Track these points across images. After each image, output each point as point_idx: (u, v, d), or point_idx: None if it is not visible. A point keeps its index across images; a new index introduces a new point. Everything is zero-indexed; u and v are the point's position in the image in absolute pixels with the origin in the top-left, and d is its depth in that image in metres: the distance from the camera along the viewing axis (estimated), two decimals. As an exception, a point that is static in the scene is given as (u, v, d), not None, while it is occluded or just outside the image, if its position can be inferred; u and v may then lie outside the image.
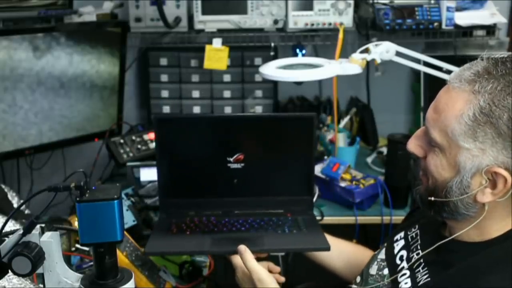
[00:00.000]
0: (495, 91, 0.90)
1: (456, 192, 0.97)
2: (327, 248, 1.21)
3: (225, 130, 1.35)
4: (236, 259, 1.20)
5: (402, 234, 1.20)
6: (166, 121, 1.35)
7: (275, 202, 1.37)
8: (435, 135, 0.97)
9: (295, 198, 1.37)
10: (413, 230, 1.17)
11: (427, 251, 1.05)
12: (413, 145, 1.04)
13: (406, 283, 1.06)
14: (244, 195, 1.37)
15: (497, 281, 0.91)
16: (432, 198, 1.00)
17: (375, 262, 1.20)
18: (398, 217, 1.79)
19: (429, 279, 1.02)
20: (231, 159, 1.33)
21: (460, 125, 0.92)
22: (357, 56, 1.81)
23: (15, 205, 1.66)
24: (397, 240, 1.19)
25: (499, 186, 0.93)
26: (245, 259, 1.17)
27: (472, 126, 0.91)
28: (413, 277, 1.06)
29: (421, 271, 1.05)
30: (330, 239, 1.38)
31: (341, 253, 1.38)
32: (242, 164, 1.33)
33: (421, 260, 1.07)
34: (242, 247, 1.17)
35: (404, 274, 1.08)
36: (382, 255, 1.21)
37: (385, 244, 1.23)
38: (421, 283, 1.02)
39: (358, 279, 1.24)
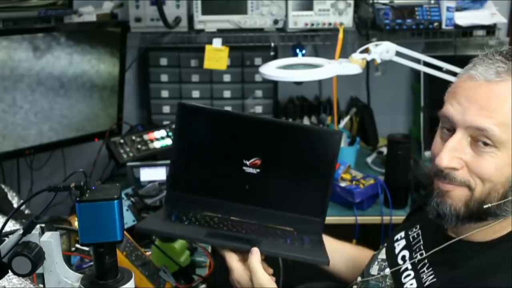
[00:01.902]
0: None
1: None
2: (326, 261, 1.15)
3: (248, 130, 1.26)
4: (232, 259, 1.15)
5: (402, 234, 1.19)
6: (190, 109, 1.27)
7: (284, 217, 1.28)
8: (496, 131, 0.92)
9: (306, 218, 1.29)
10: (414, 230, 1.17)
11: (432, 251, 1.04)
12: (449, 159, 0.96)
13: (411, 284, 1.05)
14: (253, 204, 1.28)
15: (505, 280, 0.91)
16: (489, 205, 0.95)
17: (376, 262, 1.20)
18: (398, 217, 1.79)
19: (435, 279, 1.01)
20: (248, 163, 1.25)
21: None
22: (357, 56, 1.81)
23: (15, 205, 1.67)
24: (397, 240, 1.19)
25: None
26: (253, 259, 1.11)
27: None
28: (418, 278, 1.05)
29: (426, 271, 1.04)
30: (330, 240, 1.37)
31: (341, 255, 1.37)
32: (258, 170, 1.23)
33: (425, 261, 1.06)
34: (255, 249, 1.12)
35: (409, 275, 1.08)
36: (382, 255, 1.20)
37: (385, 244, 1.23)
38: (427, 283, 1.02)
39: (359, 279, 1.24)
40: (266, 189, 1.27)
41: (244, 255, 1.14)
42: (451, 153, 0.96)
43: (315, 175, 1.26)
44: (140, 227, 1.22)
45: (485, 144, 0.94)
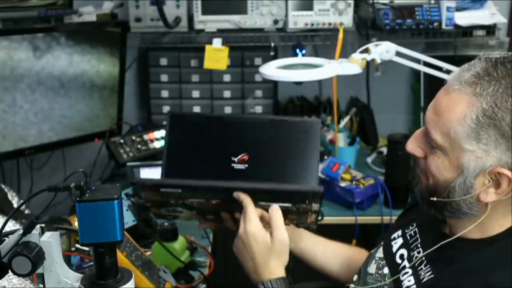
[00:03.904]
0: (497, 93, 0.90)
1: (459, 192, 0.97)
2: (321, 188, 1.17)
3: (232, 130, 1.32)
4: (253, 210, 1.12)
5: (399, 232, 1.19)
6: (179, 117, 1.34)
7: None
8: (437, 137, 0.97)
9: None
10: (410, 228, 1.17)
11: (429, 250, 1.05)
12: (412, 146, 1.04)
13: (409, 280, 1.06)
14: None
15: (505, 276, 0.92)
16: (435, 199, 1.00)
17: (373, 261, 1.20)
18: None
19: (432, 275, 1.02)
20: (236, 159, 1.32)
21: (463, 127, 0.93)
22: (357, 56, 1.81)
23: (15, 205, 1.67)
24: (394, 239, 1.19)
25: (503, 186, 0.93)
26: (276, 216, 1.11)
27: (476, 129, 0.91)
28: (416, 275, 1.06)
29: (424, 269, 1.05)
30: (325, 241, 1.38)
31: (336, 255, 1.37)
32: (246, 165, 1.32)
33: (423, 259, 1.07)
34: (276, 205, 1.13)
35: (407, 273, 1.08)
36: (380, 253, 1.20)
37: (382, 243, 1.23)
38: (424, 280, 1.03)
39: (355, 277, 1.24)
40: (255, 182, 1.31)
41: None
42: (414, 141, 1.04)
43: (301, 164, 1.30)
44: (138, 180, 1.21)
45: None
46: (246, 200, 1.13)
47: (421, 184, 1.05)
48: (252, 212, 1.12)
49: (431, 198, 1.01)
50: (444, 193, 0.99)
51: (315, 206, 1.20)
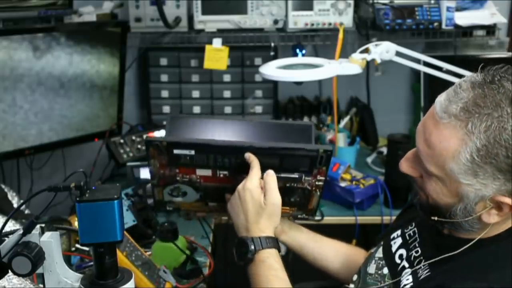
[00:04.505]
0: (490, 129, 0.88)
1: (461, 215, 0.97)
2: (329, 147, 1.16)
3: (229, 132, 1.29)
4: (257, 168, 1.14)
5: (399, 232, 1.20)
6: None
7: None
8: (432, 169, 0.96)
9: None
10: (410, 228, 1.17)
11: (429, 252, 1.05)
12: (406, 167, 1.04)
13: (407, 279, 1.06)
14: None
15: (504, 276, 0.92)
16: (436, 218, 1.00)
17: (373, 261, 1.20)
18: (398, 217, 1.79)
19: (430, 273, 1.02)
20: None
21: (458, 165, 0.92)
22: (357, 56, 1.81)
23: (15, 205, 1.67)
24: (394, 238, 1.19)
25: (504, 210, 0.93)
26: (270, 180, 1.14)
27: (471, 167, 0.91)
28: (414, 273, 1.06)
29: (422, 267, 1.05)
30: (324, 239, 1.38)
31: (336, 253, 1.38)
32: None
33: (421, 258, 1.07)
34: (271, 171, 1.15)
35: (406, 273, 1.08)
36: (379, 253, 1.21)
37: (382, 243, 1.23)
38: (422, 277, 1.03)
39: (355, 277, 1.24)
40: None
41: None
42: (407, 162, 1.04)
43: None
44: (152, 139, 1.18)
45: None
46: (255, 161, 1.15)
47: (421, 198, 1.04)
48: (256, 172, 1.15)
49: (432, 217, 1.01)
50: (445, 214, 0.99)
51: (321, 179, 1.20)
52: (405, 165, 1.04)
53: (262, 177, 1.16)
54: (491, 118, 0.88)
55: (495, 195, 0.92)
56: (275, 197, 1.15)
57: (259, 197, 1.14)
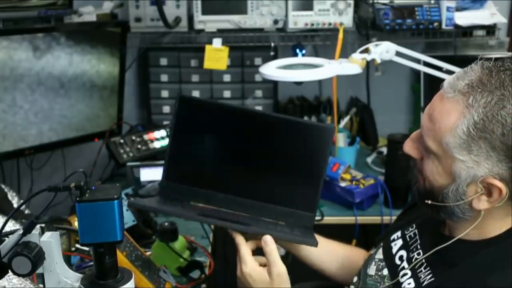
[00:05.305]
0: (489, 105, 0.90)
1: (452, 198, 0.98)
2: (314, 243, 1.16)
3: (243, 123, 1.28)
4: (246, 251, 1.11)
5: (399, 233, 1.19)
6: (189, 102, 1.29)
7: (276, 211, 1.30)
8: (430, 144, 0.98)
9: (298, 212, 1.30)
10: (410, 229, 1.17)
11: (429, 253, 1.05)
12: (409, 147, 1.05)
13: (409, 283, 1.06)
14: (246, 196, 1.31)
15: (504, 278, 0.92)
16: (429, 202, 1.02)
17: (373, 263, 1.20)
18: (398, 217, 1.79)
19: (433, 279, 1.02)
20: (242, 155, 1.29)
21: (454, 138, 0.93)
22: (357, 56, 1.81)
23: (15, 205, 1.67)
24: (394, 240, 1.19)
25: (494, 195, 0.94)
26: (271, 250, 1.09)
27: (467, 140, 0.92)
28: (416, 277, 1.06)
29: (424, 271, 1.05)
30: (323, 240, 1.37)
31: (334, 255, 1.36)
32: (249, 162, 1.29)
33: (423, 261, 1.07)
34: (268, 237, 1.10)
35: (406, 274, 1.08)
36: (379, 255, 1.20)
37: (382, 244, 1.23)
38: (425, 283, 1.03)
39: (355, 279, 1.23)
40: (259, 182, 1.29)
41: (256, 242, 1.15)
42: (410, 142, 1.05)
43: (308, 170, 1.28)
44: (133, 203, 1.22)
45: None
46: (238, 238, 1.12)
47: (419, 184, 1.06)
48: (244, 252, 1.11)
49: (426, 201, 1.02)
50: (438, 197, 1.00)
51: None
52: (408, 145, 1.05)
53: (255, 237, 1.13)
54: (492, 95, 0.90)
55: (486, 177, 0.93)
56: (279, 268, 1.10)
57: (261, 276, 1.10)
